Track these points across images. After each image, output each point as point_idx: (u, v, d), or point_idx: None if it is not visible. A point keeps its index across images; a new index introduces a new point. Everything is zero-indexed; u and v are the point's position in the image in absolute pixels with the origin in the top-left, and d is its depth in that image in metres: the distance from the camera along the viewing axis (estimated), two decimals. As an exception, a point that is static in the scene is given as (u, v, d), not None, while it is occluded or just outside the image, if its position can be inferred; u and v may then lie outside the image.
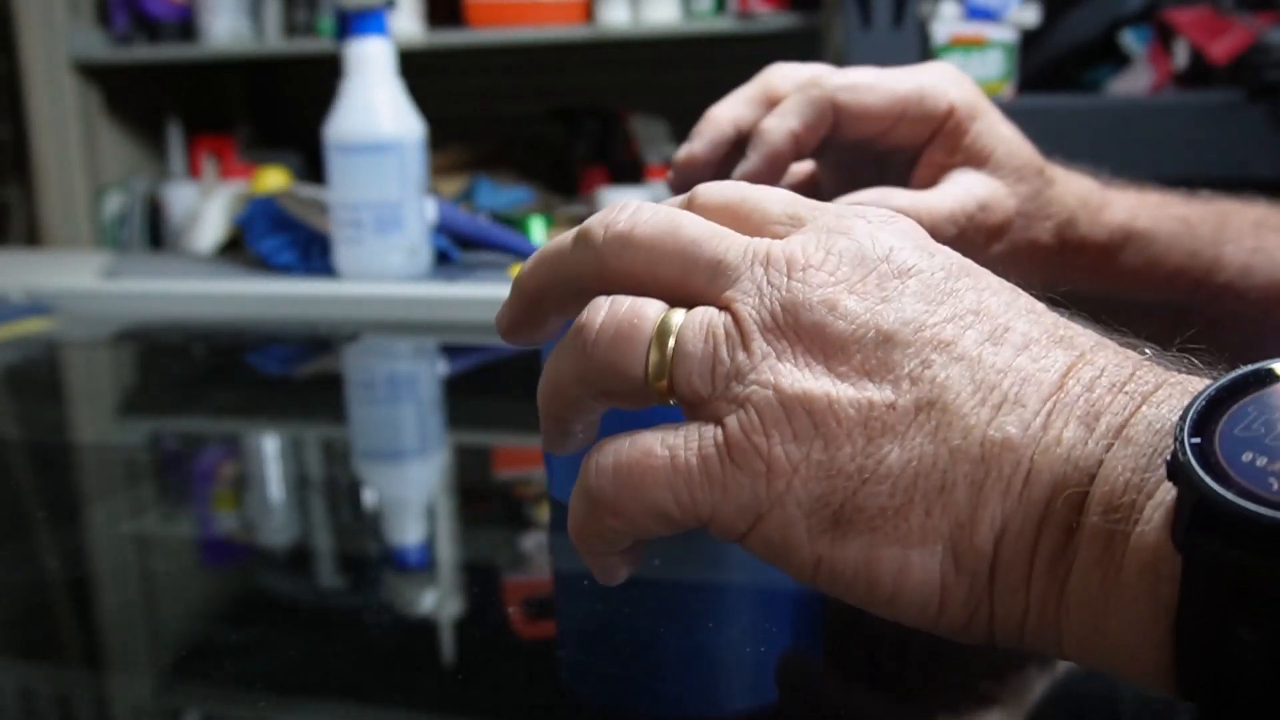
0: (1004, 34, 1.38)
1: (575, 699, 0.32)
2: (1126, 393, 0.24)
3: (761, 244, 0.27)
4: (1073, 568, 0.24)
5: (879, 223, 0.28)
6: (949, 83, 0.45)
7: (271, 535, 0.48)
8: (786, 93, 0.46)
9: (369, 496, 0.54)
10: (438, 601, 0.40)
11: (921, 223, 0.39)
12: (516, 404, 0.70)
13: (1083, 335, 0.26)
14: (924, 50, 1.39)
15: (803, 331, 0.26)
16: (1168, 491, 0.23)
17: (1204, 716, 0.23)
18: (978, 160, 0.45)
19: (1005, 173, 0.46)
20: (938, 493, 0.25)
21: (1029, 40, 1.45)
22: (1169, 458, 0.23)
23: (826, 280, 0.26)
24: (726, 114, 0.47)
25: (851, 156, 0.48)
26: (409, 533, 0.48)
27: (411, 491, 0.54)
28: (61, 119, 1.92)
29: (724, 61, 1.98)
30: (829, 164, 0.50)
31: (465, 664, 0.34)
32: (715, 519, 0.26)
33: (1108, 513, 0.23)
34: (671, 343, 0.27)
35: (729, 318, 0.26)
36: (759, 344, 0.26)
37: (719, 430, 0.26)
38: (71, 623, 0.38)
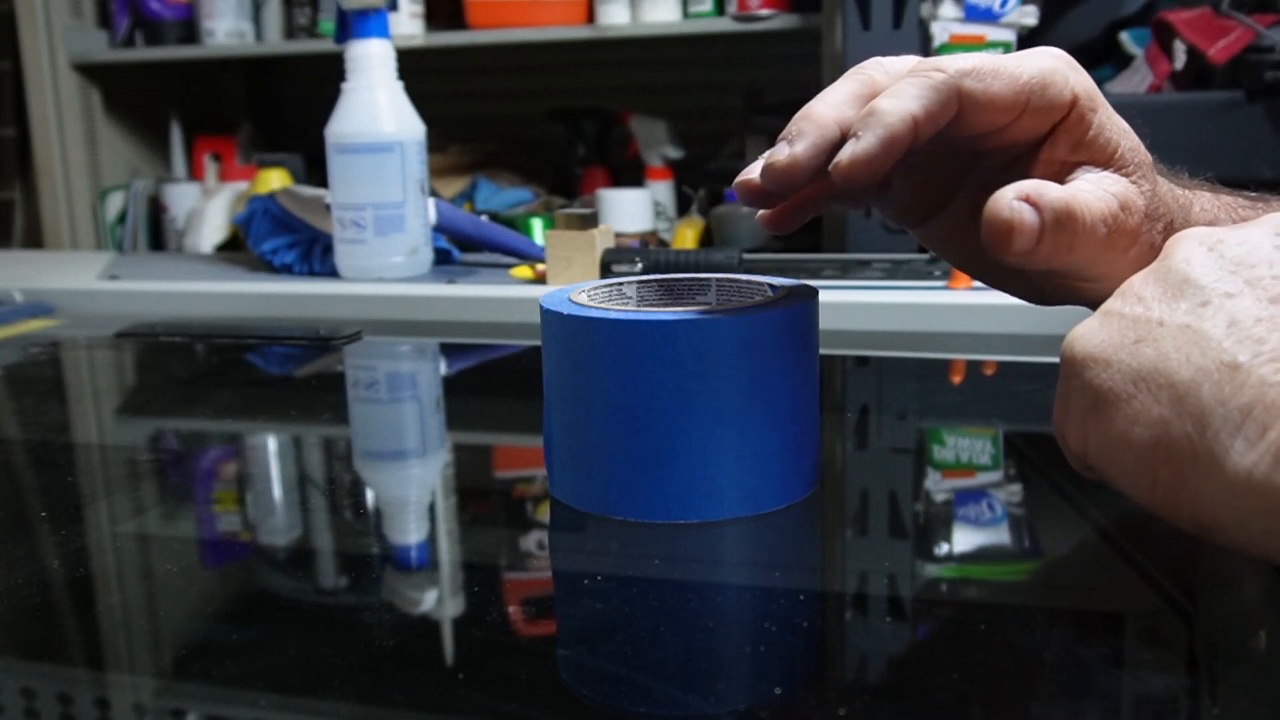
0: (1004, 34, 1.38)
1: (575, 699, 0.32)
2: None
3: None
4: (1266, 453, 0.29)
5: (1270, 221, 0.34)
6: (1069, 68, 0.40)
7: (272, 535, 0.48)
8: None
9: (369, 496, 0.54)
10: (438, 601, 0.40)
11: (1080, 223, 0.38)
12: (516, 404, 0.70)
13: None
14: (924, 51, 1.39)
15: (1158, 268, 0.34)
16: None
17: None
18: (1101, 156, 0.40)
19: (1130, 169, 0.40)
20: (1167, 387, 0.32)
21: (1029, 40, 1.45)
22: None
23: (1197, 235, 0.34)
24: (830, 114, 0.40)
25: (933, 150, 0.42)
26: (409, 533, 0.48)
27: (411, 491, 0.54)
28: (62, 120, 1.92)
29: (724, 62, 1.98)
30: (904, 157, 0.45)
31: (465, 664, 0.34)
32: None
33: None
34: None
35: None
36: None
37: None
38: (71, 623, 0.38)
